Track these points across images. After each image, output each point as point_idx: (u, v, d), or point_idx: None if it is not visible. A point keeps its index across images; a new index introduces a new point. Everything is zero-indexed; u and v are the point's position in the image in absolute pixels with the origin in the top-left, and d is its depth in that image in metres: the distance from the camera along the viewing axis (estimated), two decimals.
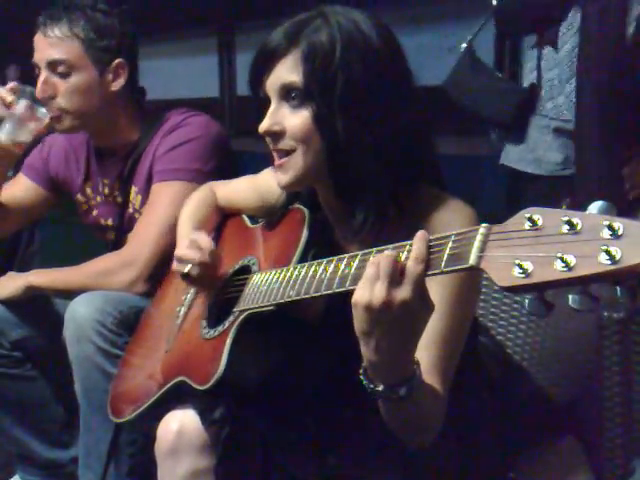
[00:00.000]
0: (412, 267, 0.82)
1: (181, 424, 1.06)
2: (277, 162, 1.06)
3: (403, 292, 0.82)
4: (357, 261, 0.90)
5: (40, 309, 1.69)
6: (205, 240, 1.22)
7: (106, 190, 1.76)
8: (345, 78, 1.00)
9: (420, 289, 0.82)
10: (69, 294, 1.55)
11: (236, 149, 1.79)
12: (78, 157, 1.80)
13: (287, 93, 1.04)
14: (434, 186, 1.09)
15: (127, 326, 1.48)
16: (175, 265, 1.25)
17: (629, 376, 1.24)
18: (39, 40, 1.63)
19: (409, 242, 0.84)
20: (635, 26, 1.61)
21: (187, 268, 1.21)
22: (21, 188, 1.82)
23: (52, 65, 1.62)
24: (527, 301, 0.73)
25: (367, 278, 0.84)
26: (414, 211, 1.04)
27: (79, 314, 1.46)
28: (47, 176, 1.83)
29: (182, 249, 1.24)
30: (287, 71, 1.03)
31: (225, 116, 3.35)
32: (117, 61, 1.66)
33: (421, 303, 0.83)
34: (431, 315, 0.86)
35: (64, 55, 1.61)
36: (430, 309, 0.85)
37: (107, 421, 1.35)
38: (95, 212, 1.79)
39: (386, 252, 0.85)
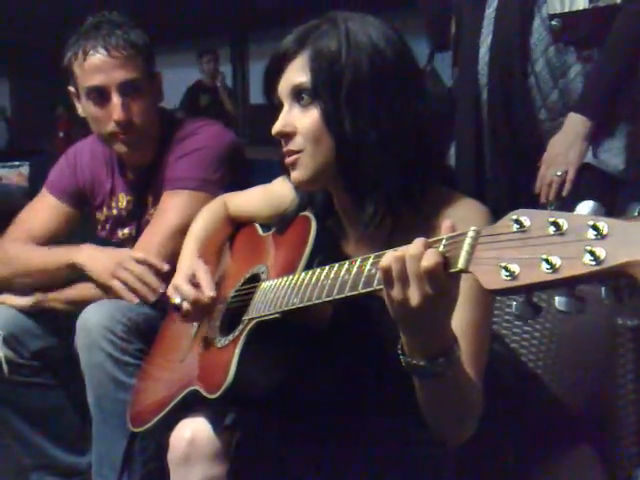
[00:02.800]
0: (412, 265, 0.82)
1: (193, 432, 1.07)
2: (288, 160, 1.09)
3: (416, 290, 0.82)
4: (356, 267, 0.91)
5: (57, 320, 1.70)
6: (205, 279, 1.23)
7: (128, 205, 1.77)
8: (352, 77, 1.04)
9: (429, 283, 0.81)
10: (77, 306, 1.57)
11: (250, 158, 1.80)
12: (103, 173, 1.78)
13: (297, 94, 1.08)
14: (447, 186, 1.10)
15: (137, 333, 1.50)
16: (169, 291, 1.27)
17: None
18: (103, 61, 1.57)
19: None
20: None
21: (178, 300, 1.23)
22: (53, 215, 1.78)
23: (124, 86, 1.58)
24: (515, 304, 0.73)
25: (384, 283, 0.85)
26: (428, 210, 1.06)
27: (89, 322, 1.48)
28: (75, 191, 1.80)
29: (180, 279, 1.25)
30: (296, 73, 1.07)
31: (239, 125, 3.37)
32: (157, 73, 1.68)
33: (436, 295, 0.82)
34: (454, 301, 0.86)
35: (136, 74, 1.59)
36: (449, 297, 0.84)
37: (120, 429, 1.38)
38: (114, 225, 1.80)
39: (391, 253, 0.84)
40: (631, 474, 1.19)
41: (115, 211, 1.78)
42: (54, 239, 1.76)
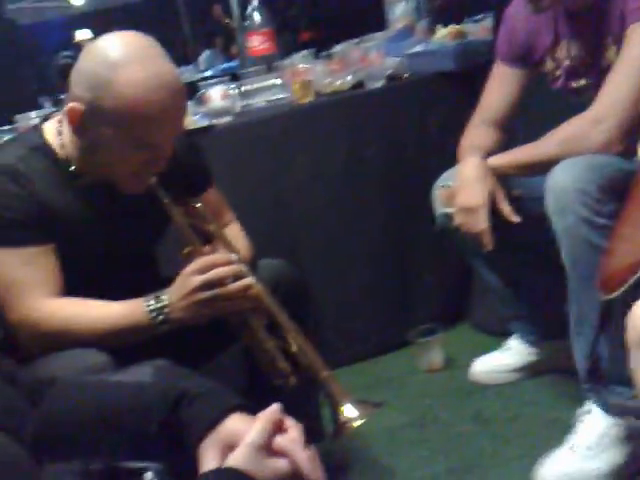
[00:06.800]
0: None
1: None
2: None
3: None
4: None
5: None
6: None
7: (580, 52, 1.61)
8: None
9: None
10: (534, 170, 1.55)
11: None
12: (544, 22, 1.65)
13: None
14: None
15: (612, 192, 1.38)
16: None
17: None
18: None
19: None
20: None
21: None
22: (506, 85, 1.76)
23: None
24: None
25: None
26: None
27: (560, 184, 1.42)
28: (517, 52, 1.74)
29: None
30: None
31: None
32: None
33: None
34: None
35: None
36: None
37: (593, 291, 1.32)
38: (566, 76, 1.66)
39: None
40: None
41: (567, 61, 1.63)
42: (512, 107, 1.77)
